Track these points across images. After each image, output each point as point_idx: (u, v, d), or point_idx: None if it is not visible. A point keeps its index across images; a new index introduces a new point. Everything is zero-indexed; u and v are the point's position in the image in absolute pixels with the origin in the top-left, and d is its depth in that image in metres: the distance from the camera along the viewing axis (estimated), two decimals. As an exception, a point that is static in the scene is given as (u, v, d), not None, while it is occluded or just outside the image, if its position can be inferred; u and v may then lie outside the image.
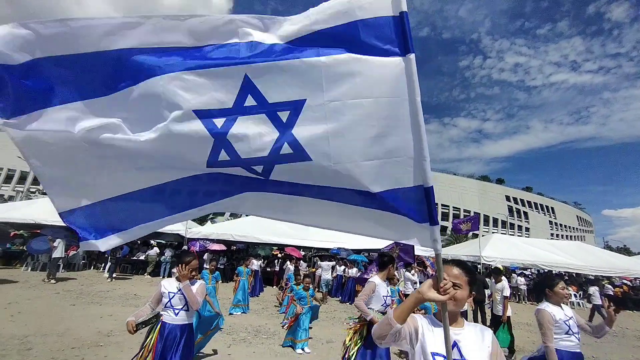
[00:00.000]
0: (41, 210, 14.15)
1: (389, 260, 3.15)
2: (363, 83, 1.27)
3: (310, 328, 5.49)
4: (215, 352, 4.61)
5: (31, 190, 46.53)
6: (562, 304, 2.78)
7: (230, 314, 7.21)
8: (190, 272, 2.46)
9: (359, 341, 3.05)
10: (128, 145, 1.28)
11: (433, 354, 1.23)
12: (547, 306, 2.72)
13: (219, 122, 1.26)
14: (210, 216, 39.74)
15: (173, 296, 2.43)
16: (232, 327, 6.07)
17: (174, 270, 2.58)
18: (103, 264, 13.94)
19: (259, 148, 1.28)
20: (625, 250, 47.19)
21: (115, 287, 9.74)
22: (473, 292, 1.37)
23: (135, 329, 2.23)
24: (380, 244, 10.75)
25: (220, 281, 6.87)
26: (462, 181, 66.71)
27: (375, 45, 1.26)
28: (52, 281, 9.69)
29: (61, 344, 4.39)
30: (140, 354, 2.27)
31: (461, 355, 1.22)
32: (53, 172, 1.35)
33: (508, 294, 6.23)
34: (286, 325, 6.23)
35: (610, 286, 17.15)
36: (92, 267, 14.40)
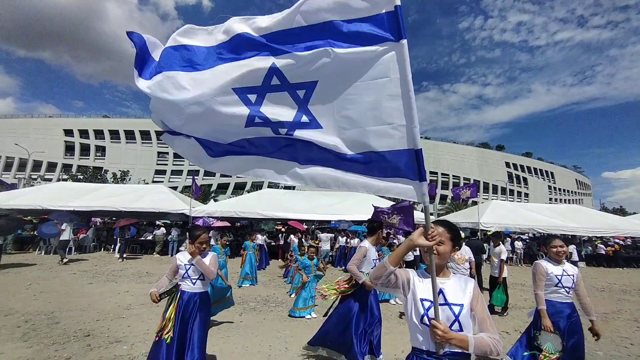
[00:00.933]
0: (47, 196, 14.44)
1: (377, 226, 3.39)
2: (364, 67, 1.56)
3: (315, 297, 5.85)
4: (228, 321, 4.98)
5: (32, 177, 46.70)
6: (566, 263, 2.98)
7: (240, 286, 7.62)
8: (201, 245, 2.67)
9: (341, 294, 3.34)
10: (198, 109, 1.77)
11: (422, 300, 1.43)
12: (542, 261, 3.00)
13: (252, 97, 1.68)
14: (212, 195, 40.17)
15: (189, 267, 2.65)
16: (242, 297, 6.46)
17: (182, 248, 2.79)
18: (113, 245, 14.42)
19: (283, 115, 1.66)
20: (621, 211, 48.06)
21: (127, 267, 10.17)
22: (457, 247, 1.54)
23: (158, 298, 2.48)
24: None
25: (229, 256, 7.18)
26: (462, 149, 66.54)
27: (375, 35, 1.53)
28: (64, 261, 10.12)
29: (86, 317, 4.75)
30: (164, 323, 2.52)
31: (445, 300, 1.41)
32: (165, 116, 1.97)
33: (505, 258, 6.53)
34: (294, 294, 6.65)
35: (602, 245, 17.82)
36: (102, 249, 14.89)
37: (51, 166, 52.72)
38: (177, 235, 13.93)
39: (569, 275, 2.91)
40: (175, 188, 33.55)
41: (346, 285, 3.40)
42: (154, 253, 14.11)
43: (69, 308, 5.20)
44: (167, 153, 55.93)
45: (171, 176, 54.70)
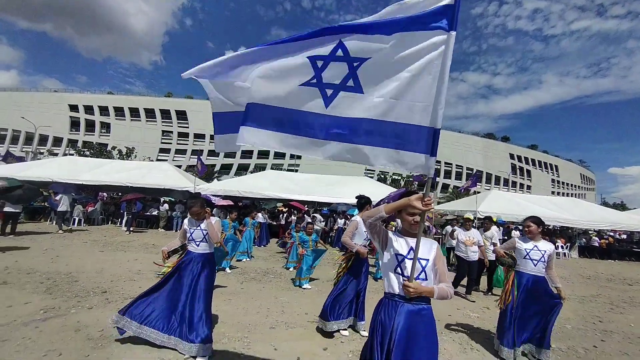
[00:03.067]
0: (57, 169, 14.87)
1: (365, 201, 3.73)
2: (414, 46, 1.78)
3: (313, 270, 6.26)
4: (230, 287, 5.41)
5: (40, 151, 47.38)
6: (542, 240, 3.45)
7: (238, 260, 8.06)
8: (192, 216, 3.03)
9: (344, 268, 3.72)
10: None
11: (396, 254, 1.76)
12: (517, 236, 3.63)
13: (320, 62, 1.91)
14: (216, 175, 40.61)
15: (193, 231, 3.00)
16: (243, 269, 6.91)
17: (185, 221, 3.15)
18: (120, 219, 14.98)
19: (335, 77, 1.90)
20: (622, 207, 48.05)
21: (134, 239, 10.67)
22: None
23: (167, 255, 2.84)
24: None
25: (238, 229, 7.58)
26: (467, 139, 66.00)
27: (432, 22, 1.74)
28: (61, 232, 10.66)
29: (101, 278, 5.20)
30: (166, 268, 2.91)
31: (416, 253, 1.71)
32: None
33: (497, 241, 6.86)
34: (292, 268, 7.08)
35: (596, 238, 18.16)
36: (110, 222, 15.47)
37: (57, 141, 53.28)
38: (180, 212, 14.43)
39: (539, 250, 3.30)
40: (179, 167, 34.05)
41: (344, 259, 3.79)
42: (159, 228, 14.66)
43: (85, 270, 5.66)
44: (172, 132, 56.17)
45: (175, 155, 55.15)
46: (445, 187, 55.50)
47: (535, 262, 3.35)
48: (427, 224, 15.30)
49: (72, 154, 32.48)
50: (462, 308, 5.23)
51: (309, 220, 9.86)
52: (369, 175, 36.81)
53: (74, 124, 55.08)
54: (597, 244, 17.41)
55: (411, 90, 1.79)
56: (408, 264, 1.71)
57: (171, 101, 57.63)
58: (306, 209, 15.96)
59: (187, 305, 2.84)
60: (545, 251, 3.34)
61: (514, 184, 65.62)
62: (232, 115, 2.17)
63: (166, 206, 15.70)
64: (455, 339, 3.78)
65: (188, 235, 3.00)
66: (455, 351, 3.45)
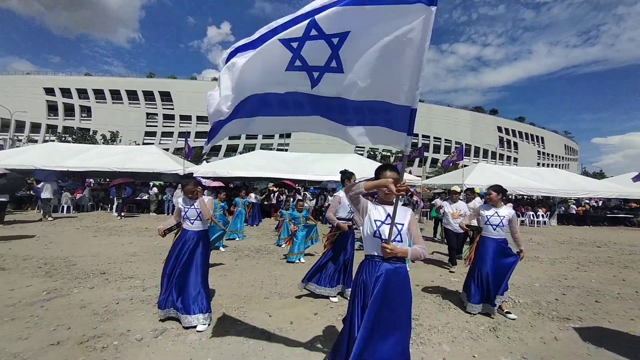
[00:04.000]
0: (39, 156, 14.52)
1: (348, 176, 3.94)
2: (393, 22, 1.72)
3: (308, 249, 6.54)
4: (224, 264, 5.66)
5: (18, 138, 45.53)
6: (503, 207, 3.78)
7: (231, 239, 8.29)
8: (186, 194, 3.17)
9: (329, 243, 3.99)
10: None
11: (375, 220, 1.97)
12: (481, 205, 3.97)
13: (294, 44, 1.89)
14: (205, 157, 40.13)
15: (187, 210, 3.15)
16: (237, 248, 7.16)
17: (179, 199, 3.28)
18: (110, 205, 14.93)
19: (318, 59, 1.90)
20: (601, 175, 50.00)
21: (126, 224, 10.75)
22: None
23: (164, 233, 3.01)
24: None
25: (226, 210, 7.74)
26: (456, 113, 66.25)
27: None
28: (50, 219, 10.67)
29: (98, 261, 5.36)
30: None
31: (393, 219, 1.91)
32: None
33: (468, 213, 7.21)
34: (283, 245, 7.36)
35: (574, 206, 19.10)
36: (100, 209, 15.40)
37: (35, 127, 51.18)
38: (171, 195, 14.44)
39: (499, 216, 3.63)
40: (166, 150, 33.46)
41: (330, 235, 4.03)
42: (150, 212, 14.72)
43: (81, 254, 5.80)
44: (156, 114, 54.50)
45: (162, 138, 53.88)
46: (434, 161, 56.30)
47: (495, 226, 3.71)
48: (415, 198, 15.93)
49: (53, 140, 31.46)
50: (445, 274, 5.64)
51: (300, 197, 10.09)
52: (359, 152, 36.94)
53: (52, 109, 52.77)
54: (574, 212, 18.33)
55: (390, 69, 1.80)
56: (385, 228, 1.93)
57: (154, 82, 55.47)
58: (297, 187, 16.18)
59: (185, 280, 3.05)
60: (504, 216, 3.67)
61: (502, 156, 67.02)
62: (222, 122, 2.24)
63: (155, 190, 15.67)
64: (435, 301, 4.14)
65: (183, 214, 3.16)
66: (434, 310, 3.80)
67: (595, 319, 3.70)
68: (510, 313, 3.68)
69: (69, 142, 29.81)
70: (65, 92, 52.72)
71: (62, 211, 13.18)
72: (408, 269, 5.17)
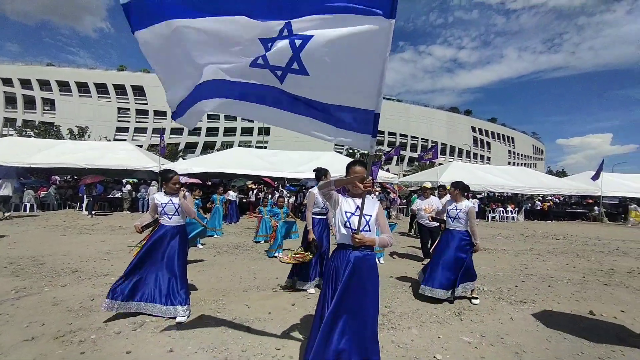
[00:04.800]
0: (-1, 152, 13.56)
1: (323, 173, 4.08)
2: (352, 32, 1.81)
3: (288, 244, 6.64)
4: (203, 260, 5.65)
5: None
6: (463, 201, 4.06)
7: (209, 235, 8.20)
8: (174, 185, 3.19)
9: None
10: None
11: (345, 212, 2.14)
12: (448, 200, 4.40)
13: (269, 43, 1.96)
14: (181, 154, 38.96)
15: (165, 205, 3.16)
16: (215, 244, 7.13)
17: (152, 190, 3.26)
18: (78, 203, 14.24)
19: (280, 60, 1.97)
20: (563, 174, 53.67)
21: (98, 222, 10.33)
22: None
23: (141, 229, 3.02)
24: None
25: (200, 207, 7.66)
26: (432, 113, 68.40)
27: (371, 7, 1.76)
28: (7, 216, 10.12)
29: (69, 260, 5.18)
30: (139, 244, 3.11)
31: (361, 210, 2.08)
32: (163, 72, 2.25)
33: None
34: (262, 241, 7.41)
35: (539, 202, 20.44)
36: (67, 207, 14.64)
37: (-9, 120, 47.43)
38: (146, 192, 13.99)
39: (457, 209, 3.97)
40: (140, 146, 32.23)
41: (302, 255, 3.92)
42: (123, 210, 14.18)
43: (50, 254, 5.57)
44: (129, 109, 52.11)
45: (134, 134, 51.63)
46: (412, 160, 57.86)
47: (452, 219, 4.05)
48: (392, 195, 16.44)
49: (12, 135, 29.35)
50: (417, 267, 5.93)
51: (279, 194, 10.15)
52: (338, 150, 37.26)
53: (10, 101, 49.08)
54: (539, 208, 19.63)
55: (354, 76, 1.91)
56: (355, 219, 2.09)
57: (125, 75, 52.91)
58: (276, 184, 16.18)
59: (164, 274, 3.07)
60: (460, 210, 3.98)
61: (475, 155, 70.01)
62: (188, 99, 2.29)
63: (129, 187, 15.11)
64: (407, 291, 4.40)
65: (160, 209, 3.17)
66: (405, 299, 4.05)
67: (547, 301, 4.10)
68: (476, 299, 3.99)
69: (30, 136, 27.91)
70: (25, 83, 49.12)
71: (25, 210, 12.43)
72: (383, 262, 5.45)
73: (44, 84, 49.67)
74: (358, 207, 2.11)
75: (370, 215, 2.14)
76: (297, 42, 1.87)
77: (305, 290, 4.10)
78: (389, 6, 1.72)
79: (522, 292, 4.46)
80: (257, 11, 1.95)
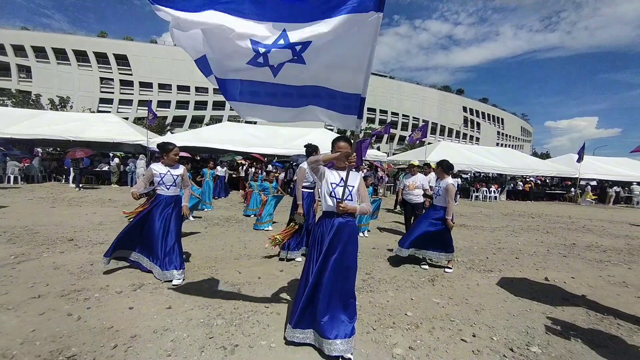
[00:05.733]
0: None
1: (313, 149, 4.26)
2: (349, 28, 1.98)
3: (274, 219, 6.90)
4: (195, 232, 5.87)
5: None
6: (445, 178, 4.35)
7: (199, 209, 8.40)
8: (175, 157, 3.36)
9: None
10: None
11: (331, 183, 2.36)
12: (429, 177, 4.52)
13: (262, 48, 2.04)
14: (168, 128, 38.05)
15: (163, 176, 3.32)
16: (206, 218, 7.34)
17: (153, 165, 3.39)
18: (64, 176, 14.05)
19: (280, 59, 2.11)
20: (547, 156, 55.28)
21: (86, 195, 10.33)
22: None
23: (139, 196, 3.18)
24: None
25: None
26: (424, 91, 67.94)
27: (364, 3, 1.93)
28: None
29: (63, 229, 5.32)
30: (134, 210, 3.31)
31: (345, 182, 2.30)
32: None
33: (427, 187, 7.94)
34: (252, 215, 7.66)
35: (521, 183, 21.25)
36: (53, 180, 14.44)
37: (-38, 87, 44.67)
38: (134, 167, 13.87)
39: (439, 186, 4.28)
40: (126, 119, 31.32)
41: (287, 231, 4.19)
42: (112, 184, 14.11)
43: (42, 224, 5.67)
44: (112, 80, 49.75)
45: (119, 106, 49.68)
46: (402, 138, 58.13)
47: (436, 195, 4.43)
48: (380, 173, 16.80)
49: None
50: (399, 239, 6.33)
51: (270, 169, 10.31)
52: (329, 127, 37.18)
53: (-18, 67, 46.06)
54: (521, 188, 20.44)
55: (344, 64, 2.11)
56: (339, 190, 2.32)
57: (107, 42, 49.90)
58: (265, 160, 16.25)
59: (161, 240, 3.29)
60: (440, 187, 4.30)
61: (465, 135, 70.72)
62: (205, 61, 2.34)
63: (117, 160, 14.92)
64: (387, 261, 4.75)
65: (158, 179, 3.33)
66: (384, 267, 4.40)
67: (512, 270, 4.53)
68: (450, 268, 4.37)
69: (6, 106, 26.67)
70: (-1, 48, 46.01)
71: (9, 181, 12.24)
72: (367, 235, 5.82)
73: (19, 50, 46.58)
74: (342, 179, 2.33)
75: (353, 186, 2.37)
76: (297, 47, 2.05)
77: (293, 258, 4.40)
78: (378, 1, 1.90)
79: (491, 262, 4.89)
80: (254, 12, 2.05)
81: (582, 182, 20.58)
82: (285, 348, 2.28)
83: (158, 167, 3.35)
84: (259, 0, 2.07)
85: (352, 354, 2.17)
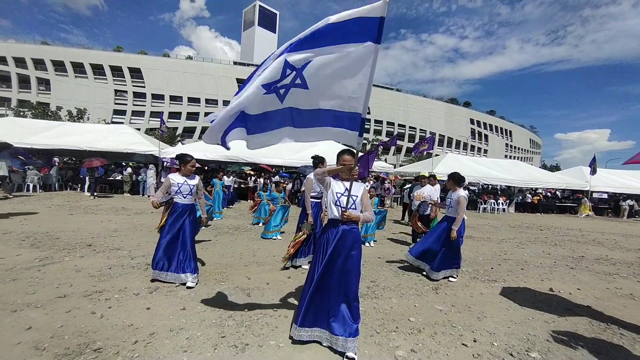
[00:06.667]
0: None
1: (319, 160, 4.43)
2: (348, 55, 2.23)
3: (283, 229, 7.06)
4: (206, 239, 6.06)
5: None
6: (457, 191, 4.50)
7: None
8: (192, 167, 3.60)
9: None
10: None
11: (336, 192, 2.53)
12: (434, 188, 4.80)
13: (273, 86, 2.32)
14: (179, 139, 38.90)
15: (181, 185, 3.54)
16: (215, 226, 7.54)
17: (152, 184, 3.61)
18: (80, 185, 14.53)
19: (285, 82, 2.35)
20: (556, 169, 54.51)
21: (100, 203, 10.69)
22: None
23: (159, 205, 3.39)
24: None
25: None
26: (431, 103, 68.30)
27: (361, 35, 2.17)
28: (10, 196, 10.50)
29: (81, 236, 5.57)
30: (161, 222, 3.49)
31: (350, 192, 2.46)
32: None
33: (435, 198, 8.00)
34: (261, 223, 7.83)
35: (530, 195, 21.02)
36: (69, 188, 14.93)
37: (-14, 99, 46.77)
38: (146, 176, 14.28)
39: (450, 198, 4.35)
40: (138, 130, 32.26)
41: (297, 242, 4.35)
42: (124, 193, 14.52)
43: (61, 230, 5.95)
44: (126, 92, 51.50)
45: (132, 117, 51.24)
46: (409, 150, 58.14)
47: (447, 207, 4.51)
48: (387, 185, 16.89)
49: (8, 115, 29.19)
50: (405, 250, 6.39)
51: (277, 179, 10.54)
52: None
53: (4, 79, 48.26)
54: (529, 200, 20.22)
55: (346, 87, 2.35)
56: (344, 199, 2.48)
57: (122, 56, 51.99)
58: (273, 171, 16.52)
59: (178, 246, 3.49)
60: (452, 199, 4.40)
61: (472, 147, 70.42)
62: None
63: (129, 170, 15.38)
64: (392, 269, 4.85)
65: (175, 188, 3.55)
66: (389, 275, 4.50)
67: (516, 281, 4.57)
68: (454, 278, 4.44)
69: (26, 117, 27.82)
70: (19, 62, 48.22)
71: (28, 190, 12.72)
72: (373, 245, 5.95)
73: (39, 63, 48.81)
74: (347, 189, 2.50)
75: (357, 196, 2.53)
76: (298, 65, 2.27)
77: (300, 266, 4.53)
78: (376, 35, 2.17)
79: (496, 273, 4.93)
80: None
81: (595, 195, 20.26)
82: (293, 347, 2.41)
83: (176, 177, 3.58)
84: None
85: (355, 354, 2.28)
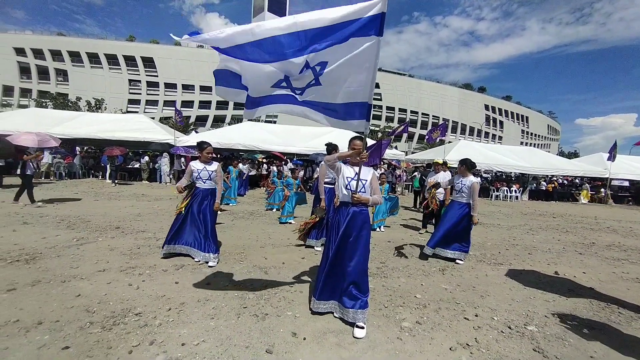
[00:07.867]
0: (24, 122, 14.39)
1: (332, 147, 4.60)
2: (355, 49, 2.44)
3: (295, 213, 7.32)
4: (222, 223, 6.39)
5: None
6: (469, 177, 4.62)
7: (225, 204, 8.98)
8: (208, 155, 3.86)
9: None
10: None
11: (346, 177, 2.72)
12: (456, 175, 4.81)
13: (290, 77, 2.59)
14: (192, 127, 39.57)
15: (200, 172, 3.81)
16: (231, 211, 7.89)
17: (170, 173, 3.88)
18: (101, 173, 15.21)
19: (302, 83, 2.63)
20: (575, 155, 52.70)
21: (122, 190, 11.22)
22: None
23: (183, 190, 3.69)
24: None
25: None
26: (444, 89, 66.46)
27: (367, 29, 2.38)
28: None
29: (108, 219, 5.99)
30: (182, 204, 3.81)
31: (359, 177, 2.65)
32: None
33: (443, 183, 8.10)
34: (275, 209, 8.13)
35: (544, 183, 20.61)
36: (91, 176, 15.65)
37: (7, 90, 48.47)
38: (163, 164, 14.80)
39: (462, 183, 4.47)
40: (152, 119, 32.94)
41: (310, 221, 4.48)
42: (142, 180, 15.11)
43: (91, 214, 6.40)
44: (139, 81, 52.27)
45: (146, 106, 52.16)
46: (422, 137, 57.23)
47: (457, 191, 4.61)
48: (398, 172, 16.92)
49: (27, 106, 30.35)
50: (414, 235, 6.58)
51: (292, 166, 10.77)
52: (348, 126, 37.17)
53: (24, 71, 49.70)
54: (544, 188, 19.85)
55: (355, 79, 2.56)
56: (354, 183, 2.67)
57: (135, 46, 52.50)
58: (285, 159, 16.77)
59: (200, 227, 3.80)
60: (464, 184, 4.50)
61: (487, 134, 68.59)
62: (232, 74, 2.78)
63: (147, 158, 15.95)
64: (401, 251, 5.05)
65: (195, 174, 3.83)
66: (398, 257, 4.71)
67: (523, 264, 4.71)
68: (461, 260, 4.61)
69: (46, 107, 28.85)
70: (38, 53, 49.45)
71: (55, 177, 13.42)
72: (383, 230, 6.16)
73: (56, 54, 49.95)
74: (356, 173, 2.68)
75: (366, 180, 2.72)
76: (317, 67, 2.54)
77: (313, 247, 4.79)
78: (378, 28, 2.38)
79: (503, 257, 5.07)
80: (285, 53, 2.50)
81: (615, 183, 19.69)
82: (308, 318, 2.67)
83: (196, 164, 3.85)
84: (285, 43, 2.49)
85: (365, 323, 2.52)
